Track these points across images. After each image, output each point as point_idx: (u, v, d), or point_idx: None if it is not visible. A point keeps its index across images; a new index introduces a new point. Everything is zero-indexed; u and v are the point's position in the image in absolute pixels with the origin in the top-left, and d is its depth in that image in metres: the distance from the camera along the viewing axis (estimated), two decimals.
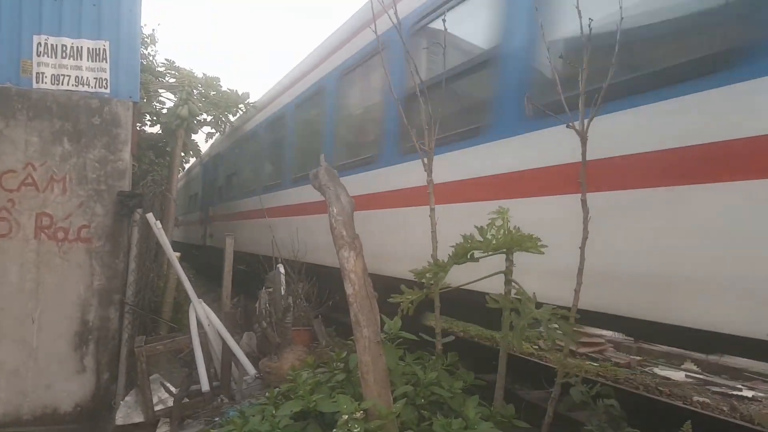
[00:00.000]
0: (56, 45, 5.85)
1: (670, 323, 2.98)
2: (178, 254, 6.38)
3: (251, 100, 10.86)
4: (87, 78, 5.91)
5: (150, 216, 5.86)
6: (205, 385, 5.29)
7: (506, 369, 3.27)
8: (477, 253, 3.18)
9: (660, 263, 3.09)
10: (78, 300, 5.65)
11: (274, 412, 3.07)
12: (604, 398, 2.97)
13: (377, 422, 2.55)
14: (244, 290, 8.55)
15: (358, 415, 2.58)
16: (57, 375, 5.57)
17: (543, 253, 2.97)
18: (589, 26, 2.88)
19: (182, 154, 10.23)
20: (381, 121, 6.08)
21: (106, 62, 5.98)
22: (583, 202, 2.93)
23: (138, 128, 8.69)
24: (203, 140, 12.61)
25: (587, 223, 2.90)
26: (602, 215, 3.06)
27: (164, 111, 9.97)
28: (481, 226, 3.16)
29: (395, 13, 3.93)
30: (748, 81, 2.76)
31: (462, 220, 3.51)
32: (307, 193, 7.49)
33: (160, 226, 5.94)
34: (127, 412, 5.25)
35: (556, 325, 2.77)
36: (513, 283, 3.13)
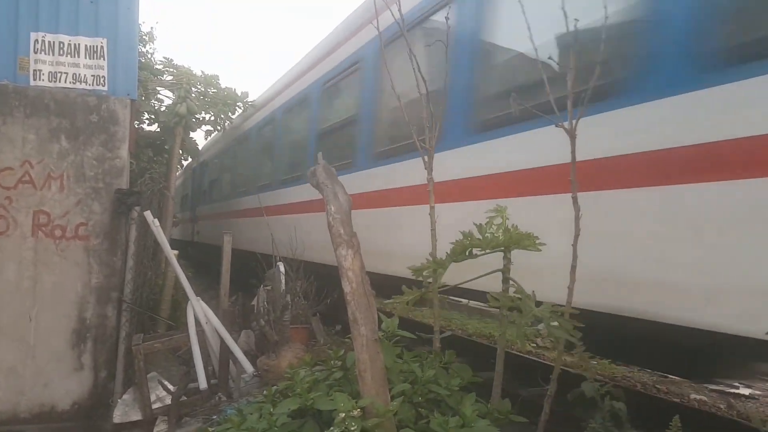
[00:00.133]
0: (54, 42, 5.84)
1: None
2: (175, 252, 6.37)
3: (250, 99, 10.86)
4: (84, 75, 5.89)
5: (148, 214, 5.85)
6: (202, 383, 5.29)
7: (503, 367, 3.28)
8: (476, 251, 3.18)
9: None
10: (76, 298, 5.63)
11: (271, 410, 3.06)
12: (613, 399, 2.98)
13: (374, 420, 2.55)
14: (243, 288, 8.54)
15: (355, 413, 2.58)
16: (55, 373, 5.56)
17: (540, 251, 2.98)
18: (575, 26, 2.89)
19: (181, 152, 10.20)
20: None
21: (104, 59, 5.96)
22: (574, 199, 2.93)
23: (136, 126, 8.68)
24: (202, 138, 12.58)
25: (579, 220, 2.91)
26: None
27: (163, 109, 9.95)
28: (480, 224, 3.16)
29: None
30: None
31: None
32: (270, 198, 9.52)
33: (157, 224, 5.93)
34: (124, 410, 5.25)
35: (556, 323, 2.77)
36: (511, 281, 3.13)
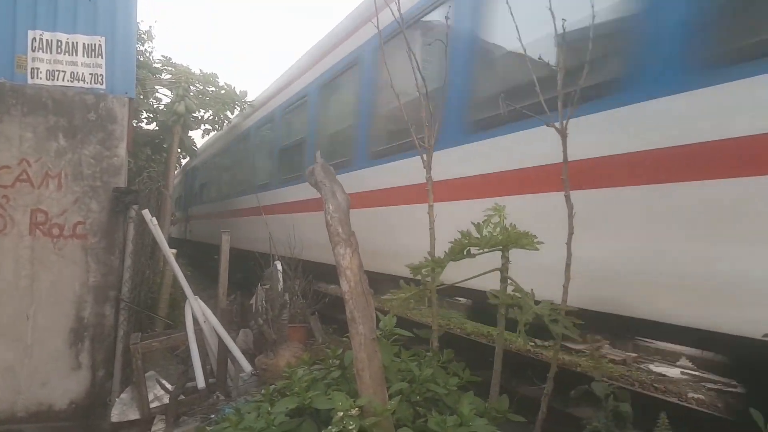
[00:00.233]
0: (51, 40, 5.82)
1: None
2: (174, 251, 6.36)
3: (249, 98, 10.85)
4: (82, 74, 5.88)
5: (146, 212, 5.84)
6: (200, 382, 5.28)
7: (501, 365, 3.28)
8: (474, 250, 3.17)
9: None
10: (73, 297, 5.62)
11: (269, 409, 3.05)
12: (618, 400, 2.97)
13: (372, 419, 2.55)
14: (241, 287, 8.54)
15: (353, 412, 2.57)
16: (52, 372, 5.55)
17: (538, 250, 2.98)
18: (563, 26, 2.91)
19: (179, 150, 10.19)
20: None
21: (102, 58, 5.95)
22: (567, 198, 2.94)
23: (134, 125, 8.68)
24: (200, 137, 12.58)
25: (572, 218, 2.91)
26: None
27: (161, 108, 9.94)
28: (478, 223, 3.15)
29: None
30: None
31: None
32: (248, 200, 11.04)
33: (155, 222, 5.92)
34: (122, 409, 5.24)
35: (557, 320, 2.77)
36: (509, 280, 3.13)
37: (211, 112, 10.34)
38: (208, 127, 10.90)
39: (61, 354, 5.58)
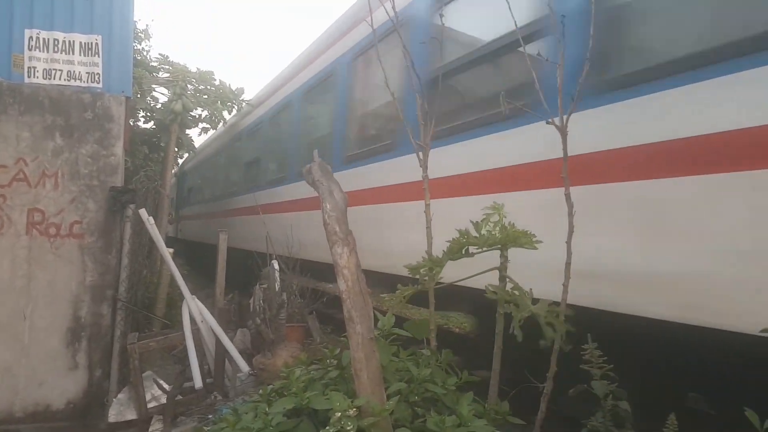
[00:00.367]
0: (48, 39, 5.80)
1: None
2: (171, 250, 6.34)
3: (246, 97, 10.82)
4: (79, 72, 5.86)
5: (143, 212, 5.82)
6: (198, 382, 5.26)
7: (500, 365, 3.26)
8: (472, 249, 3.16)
9: None
10: (70, 296, 5.60)
11: (267, 409, 3.04)
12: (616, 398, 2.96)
13: (370, 419, 2.53)
14: (239, 287, 8.52)
15: (351, 412, 2.56)
16: (49, 372, 5.52)
17: (537, 249, 2.97)
18: (563, 23, 2.90)
19: (176, 149, 10.16)
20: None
21: (99, 57, 5.93)
22: (567, 196, 2.92)
23: (132, 124, 8.65)
24: (198, 135, 12.55)
25: (572, 217, 2.90)
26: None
27: (158, 106, 9.92)
28: (477, 222, 3.14)
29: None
30: None
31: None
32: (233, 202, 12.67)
33: (152, 222, 5.90)
34: (119, 409, 5.22)
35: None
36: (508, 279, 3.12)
37: (208, 111, 10.31)
38: (205, 125, 10.87)
39: (58, 354, 5.56)
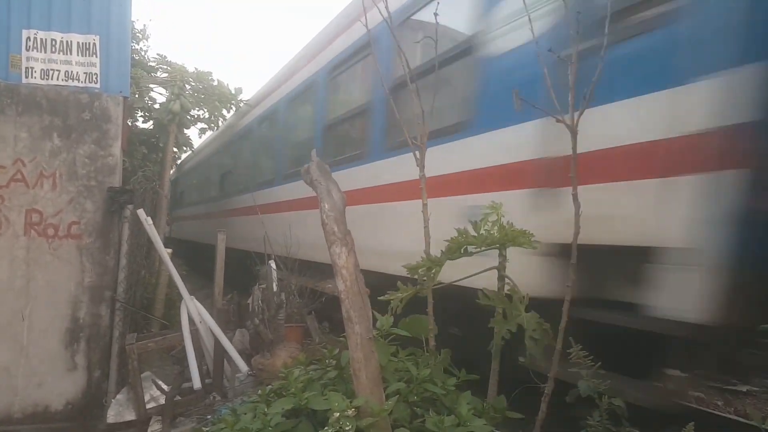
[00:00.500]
0: (46, 39, 5.79)
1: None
2: (169, 250, 6.33)
3: (244, 96, 10.81)
4: (77, 73, 5.85)
5: (141, 212, 5.81)
6: (197, 383, 5.26)
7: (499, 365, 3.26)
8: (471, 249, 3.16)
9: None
10: (69, 297, 5.59)
11: (265, 409, 3.03)
12: (610, 396, 2.95)
13: (369, 420, 2.53)
14: (238, 287, 8.51)
15: (350, 412, 2.55)
16: (48, 373, 5.52)
17: (536, 248, 2.96)
18: (577, 19, 2.87)
19: (175, 149, 10.15)
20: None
21: (97, 57, 5.92)
22: (574, 196, 2.90)
23: (130, 124, 8.63)
24: (196, 135, 12.56)
25: (579, 217, 2.88)
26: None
27: (156, 106, 9.90)
28: (475, 222, 3.13)
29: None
30: None
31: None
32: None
33: (150, 222, 5.89)
34: (118, 410, 5.22)
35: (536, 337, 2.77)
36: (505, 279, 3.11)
37: (206, 110, 10.30)
38: (203, 125, 10.86)
39: (57, 355, 5.56)
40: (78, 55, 5.87)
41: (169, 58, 9.98)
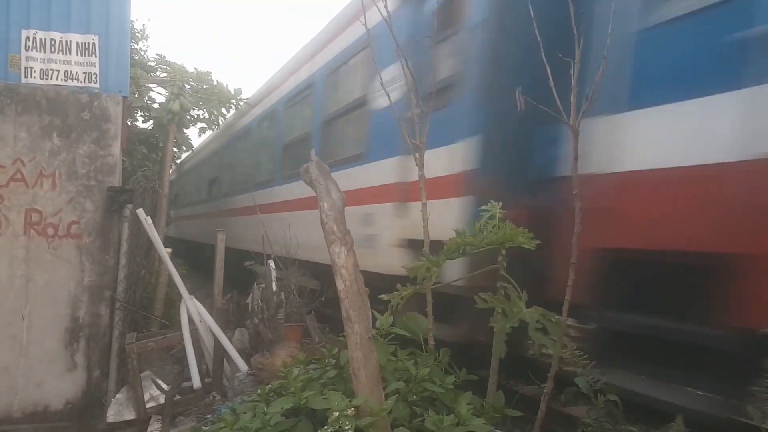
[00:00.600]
0: (45, 39, 5.79)
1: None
2: (169, 250, 6.33)
3: (244, 96, 10.80)
4: (76, 72, 5.85)
5: (140, 212, 5.81)
6: (196, 382, 5.26)
7: (499, 364, 3.26)
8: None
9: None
10: (68, 296, 5.60)
11: (265, 409, 3.04)
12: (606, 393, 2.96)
13: (368, 419, 2.53)
14: (238, 286, 8.52)
15: (349, 411, 2.56)
16: (48, 372, 5.52)
17: (534, 248, 2.97)
18: (574, 19, 2.88)
19: (174, 149, 10.14)
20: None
21: (96, 57, 5.92)
22: (576, 196, 2.91)
23: (129, 123, 8.63)
24: (196, 135, 12.56)
25: (580, 216, 2.89)
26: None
27: (156, 106, 9.90)
28: (474, 221, 3.14)
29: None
30: None
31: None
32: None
33: (150, 222, 5.89)
34: (118, 409, 5.22)
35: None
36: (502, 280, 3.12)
37: (206, 110, 10.29)
38: (203, 125, 10.85)
39: (57, 354, 5.56)
40: (77, 54, 5.87)
41: (168, 58, 9.98)
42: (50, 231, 5.56)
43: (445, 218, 4.48)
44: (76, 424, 5.51)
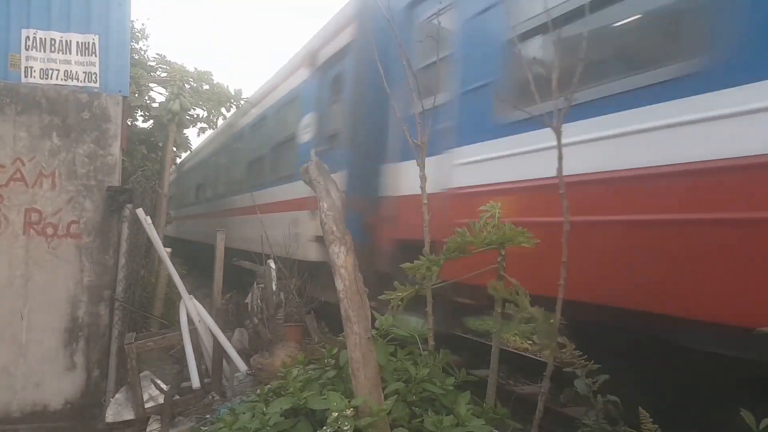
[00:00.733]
0: (45, 39, 5.79)
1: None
2: (168, 250, 6.32)
3: (244, 96, 10.79)
4: (76, 72, 5.85)
5: (140, 211, 5.80)
6: (195, 382, 5.25)
7: (499, 364, 3.26)
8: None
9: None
10: (67, 296, 5.59)
11: (264, 409, 3.03)
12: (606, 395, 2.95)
13: (368, 419, 2.53)
14: (237, 286, 8.53)
15: (348, 412, 2.55)
16: (47, 372, 5.52)
17: (534, 247, 2.97)
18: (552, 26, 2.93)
19: (174, 149, 10.11)
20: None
21: (96, 56, 5.92)
22: (562, 195, 2.91)
23: (129, 123, 8.62)
24: (195, 135, 12.54)
25: (567, 214, 2.89)
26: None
27: (155, 106, 9.88)
28: (474, 221, 3.14)
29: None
30: None
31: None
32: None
33: (150, 221, 5.88)
34: (117, 409, 5.21)
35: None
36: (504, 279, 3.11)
37: (206, 110, 10.27)
38: (203, 125, 10.82)
39: (56, 354, 5.56)
40: (77, 54, 5.87)
41: (168, 58, 9.95)
42: (50, 231, 5.56)
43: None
44: (75, 424, 5.51)
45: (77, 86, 5.82)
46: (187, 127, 10.22)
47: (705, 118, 2.91)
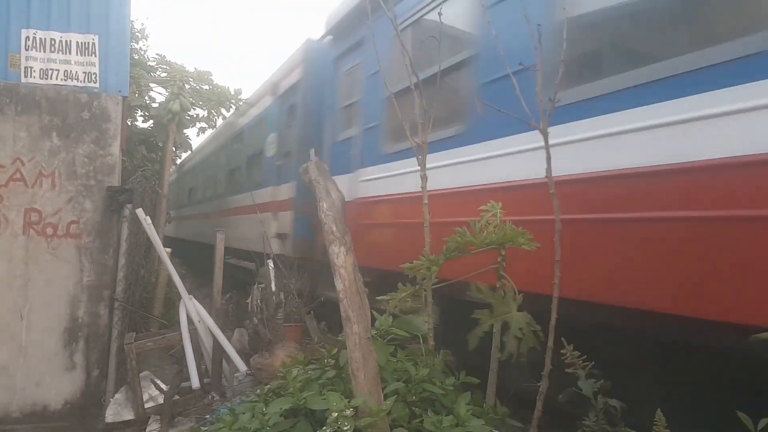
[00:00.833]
0: (45, 39, 5.79)
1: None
2: (168, 250, 6.32)
3: (244, 96, 10.80)
4: (76, 72, 5.85)
5: (140, 211, 5.80)
6: (195, 382, 5.25)
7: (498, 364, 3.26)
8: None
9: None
10: (67, 296, 5.59)
11: (264, 409, 3.03)
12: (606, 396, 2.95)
13: (367, 420, 2.53)
14: (237, 286, 8.54)
15: (348, 412, 2.55)
16: (46, 372, 5.52)
17: (534, 248, 2.97)
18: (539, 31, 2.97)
19: (174, 149, 10.12)
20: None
21: (96, 56, 5.92)
22: (553, 195, 2.92)
23: (129, 123, 8.62)
24: (195, 135, 12.55)
25: (559, 215, 2.90)
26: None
27: (155, 106, 9.88)
28: (474, 221, 3.14)
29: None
30: None
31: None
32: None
33: (150, 221, 5.88)
34: (117, 409, 5.21)
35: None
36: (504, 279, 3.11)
37: (205, 110, 10.28)
38: (203, 125, 10.83)
39: (56, 354, 5.55)
40: (77, 54, 5.87)
41: (168, 58, 9.96)
42: (49, 231, 5.56)
43: (285, 221, 8.57)
44: (75, 424, 5.50)
45: (77, 86, 5.82)
46: (187, 127, 10.22)
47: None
